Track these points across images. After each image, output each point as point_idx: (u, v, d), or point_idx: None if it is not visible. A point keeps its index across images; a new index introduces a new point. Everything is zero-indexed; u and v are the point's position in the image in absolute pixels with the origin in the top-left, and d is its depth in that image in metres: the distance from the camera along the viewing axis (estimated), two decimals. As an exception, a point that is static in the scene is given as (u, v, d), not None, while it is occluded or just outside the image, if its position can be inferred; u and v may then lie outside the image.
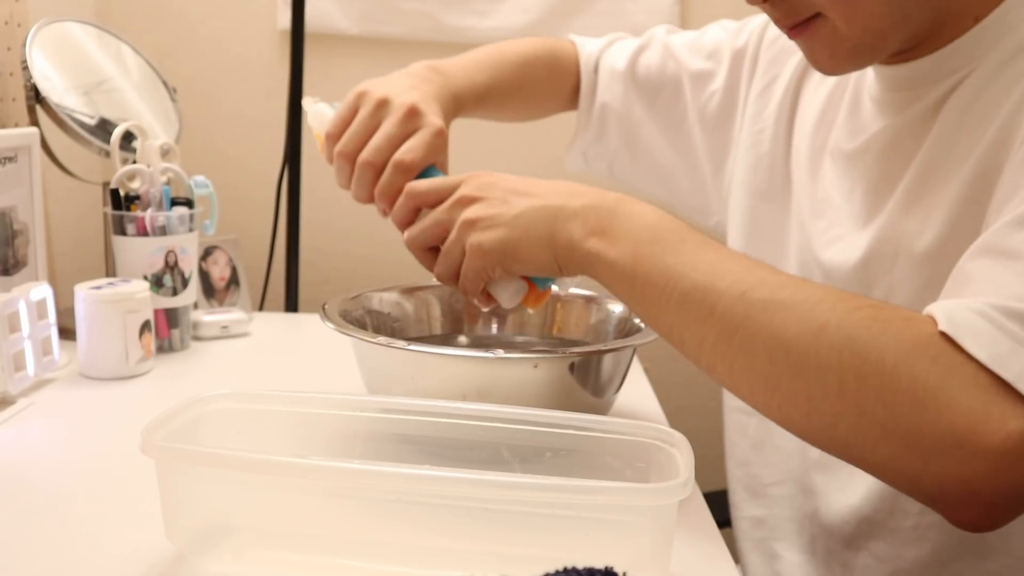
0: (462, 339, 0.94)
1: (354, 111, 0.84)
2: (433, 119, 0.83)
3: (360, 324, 0.85)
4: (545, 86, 1.05)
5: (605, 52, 1.06)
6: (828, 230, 0.84)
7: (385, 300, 0.92)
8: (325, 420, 0.65)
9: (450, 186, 0.76)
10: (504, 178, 0.75)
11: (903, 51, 0.74)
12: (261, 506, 0.59)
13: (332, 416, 0.65)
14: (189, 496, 0.58)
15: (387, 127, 0.81)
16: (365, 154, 0.81)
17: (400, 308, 0.92)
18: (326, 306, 0.83)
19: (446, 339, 0.93)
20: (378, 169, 0.81)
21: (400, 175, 0.80)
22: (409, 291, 0.93)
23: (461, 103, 0.93)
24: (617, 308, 0.90)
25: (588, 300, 0.93)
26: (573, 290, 0.94)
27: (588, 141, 1.08)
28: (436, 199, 0.76)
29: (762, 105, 0.95)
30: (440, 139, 0.83)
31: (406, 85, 0.86)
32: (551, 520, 0.54)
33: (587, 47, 1.07)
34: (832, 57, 0.73)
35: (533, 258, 0.72)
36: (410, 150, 0.80)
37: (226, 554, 0.59)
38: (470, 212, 0.73)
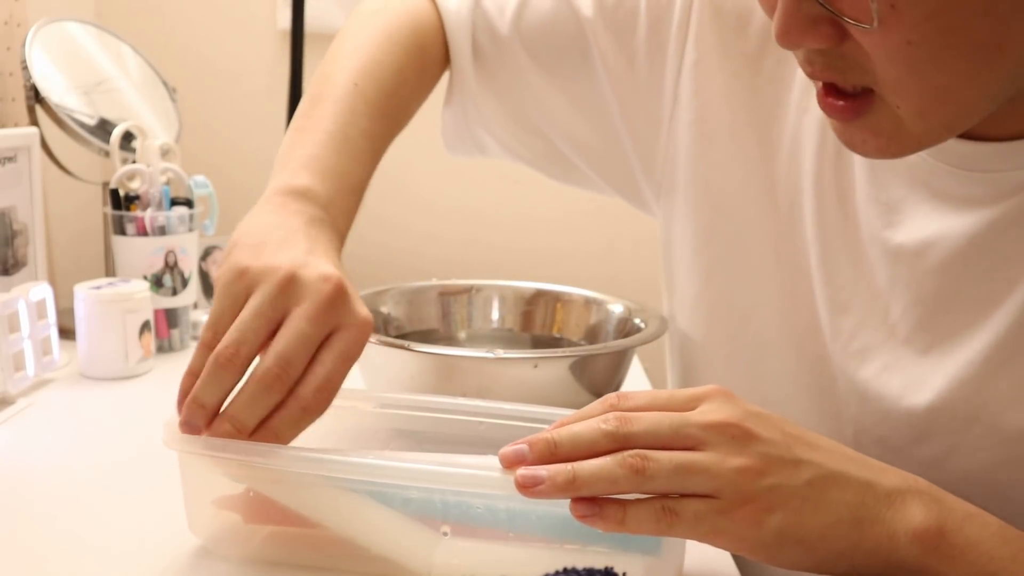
0: (462, 338, 0.94)
1: (236, 301, 0.56)
2: (359, 308, 0.57)
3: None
4: (418, 95, 0.79)
5: (478, 6, 0.79)
6: (855, 336, 0.65)
7: (385, 299, 0.91)
8: (347, 415, 0.65)
9: (685, 399, 0.52)
10: (762, 410, 0.52)
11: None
12: (284, 499, 0.59)
13: (354, 411, 0.65)
14: (211, 489, 0.59)
15: (301, 325, 0.55)
16: (272, 362, 0.54)
17: (400, 307, 0.92)
18: (326, 306, 0.83)
19: (446, 339, 0.93)
20: (288, 386, 0.55)
21: (324, 399, 0.56)
22: (407, 291, 0.93)
23: (344, 232, 0.67)
24: (617, 308, 0.90)
25: (588, 300, 0.92)
26: (572, 290, 0.94)
27: (472, 118, 0.83)
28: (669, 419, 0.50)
29: (699, 85, 0.72)
30: (365, 339, 0.57)
31: (297, 239, 0.60)
32: (561, 517, 0.54)
33: (450, 4, 0.80)
34: (886, 147, 0.54)
35: (819, 550, 0.49)
36: (332, 377, 0.55)
37: (248, 545, 0.59)
38: (747, 458, 0.48)
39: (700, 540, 0.49)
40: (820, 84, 0.54)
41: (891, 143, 0.53)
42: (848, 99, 0.53)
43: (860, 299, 0.65)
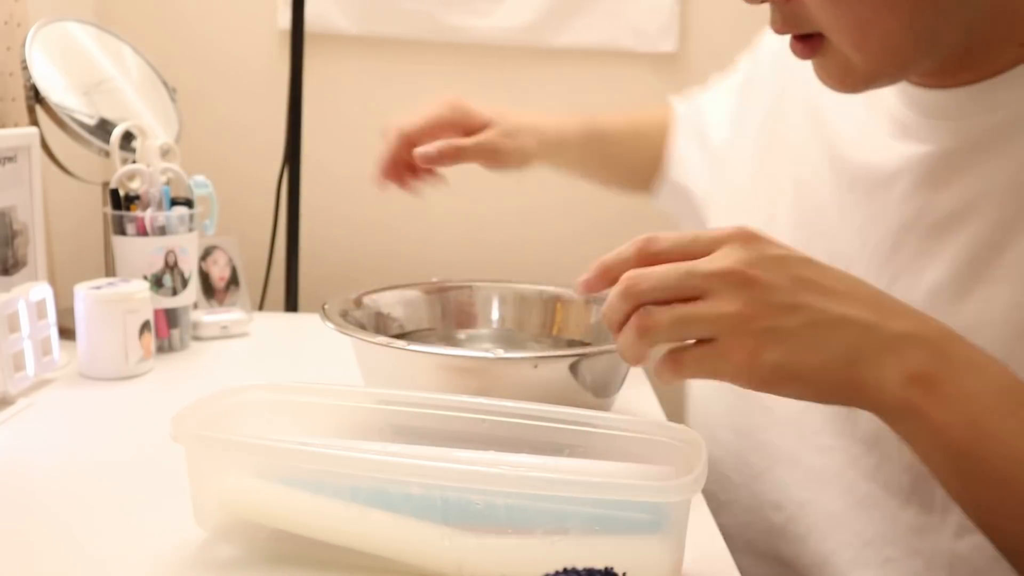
0: (462, 338, 0.94)
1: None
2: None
3: (360, 324, 0.85)
4: (650, 165, 1.02)
5: (699, 113, 0.99)
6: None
7: (385, 299, 0.92)
8: (347, 411, 0.66)
9: (707, 242, 0.54)
10: (783, 251, 0.54)
11: (936, 72, 0.63)
12: (292, 493, 0.59)
13: (354, 407, 0.66)
14: (218, 483, 0.59)
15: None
16: None
17: (399, 307, 0.92)
18: (326, 306, 0.83)
19: (446, 339, 0.93)
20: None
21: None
22: (408, 290, 0.93)
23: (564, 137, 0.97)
24: (617, 308, 0.90)
25: (588, 300, 0.92)
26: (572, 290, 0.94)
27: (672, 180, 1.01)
28: (681, 257, 0.54)
29: (775, 130, 0.83)
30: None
31: None
32: (574, 517, 0.55)
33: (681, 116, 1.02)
34: (843, 82, 0.61)
35: (813, 385, 0.52)
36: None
37: (256, 538, 0.60)
38: (744, 304, 0.52)
39: (708, 378, 0.54)
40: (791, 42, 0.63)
41: (846, 77, 0.61)
42: (804, 40, 0.61)
43: (839, 240, 0.70)
